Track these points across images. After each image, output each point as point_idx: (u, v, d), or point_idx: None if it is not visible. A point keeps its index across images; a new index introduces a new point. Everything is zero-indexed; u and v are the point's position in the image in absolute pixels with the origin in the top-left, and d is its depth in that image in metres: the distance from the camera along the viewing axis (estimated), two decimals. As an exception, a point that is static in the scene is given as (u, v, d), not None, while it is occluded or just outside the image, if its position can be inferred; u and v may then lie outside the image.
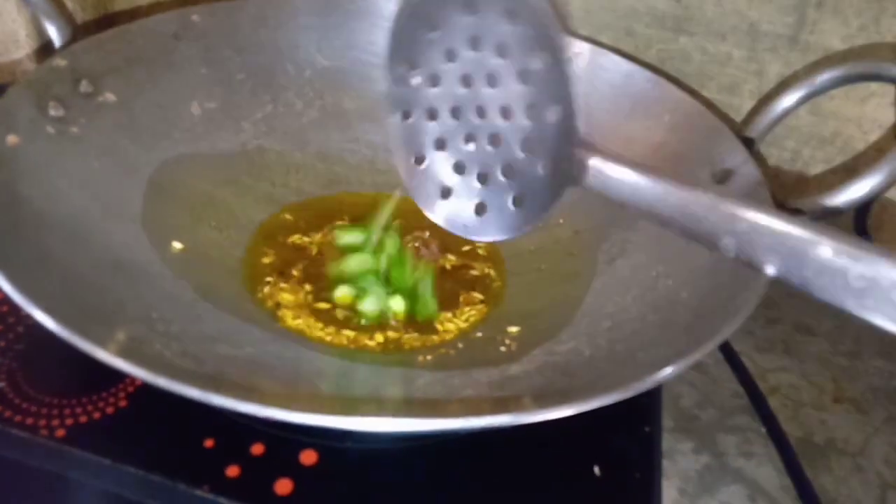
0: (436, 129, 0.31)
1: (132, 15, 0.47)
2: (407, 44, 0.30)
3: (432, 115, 0.31)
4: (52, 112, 0.37)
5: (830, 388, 0.45)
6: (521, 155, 0.29)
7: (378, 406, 0.30)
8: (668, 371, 0.27)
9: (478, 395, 0.31)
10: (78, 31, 0.41)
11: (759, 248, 0.22)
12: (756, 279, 0.30)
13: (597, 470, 0.32)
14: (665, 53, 0.52)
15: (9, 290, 0.26)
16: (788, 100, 0.44)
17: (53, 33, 0.41)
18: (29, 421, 0.32)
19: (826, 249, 0.21)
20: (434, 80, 0.30)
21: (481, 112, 0.30)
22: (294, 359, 0.34)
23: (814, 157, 0.52)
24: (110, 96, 0.40)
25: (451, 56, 0.29)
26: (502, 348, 0.37)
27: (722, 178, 0.40)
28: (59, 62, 0.39)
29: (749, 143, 0.42)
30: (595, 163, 0.27)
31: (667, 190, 0.25)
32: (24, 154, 0.34)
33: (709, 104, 0.51)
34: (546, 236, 0.44)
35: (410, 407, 0.30)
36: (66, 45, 0.41)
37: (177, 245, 0.38)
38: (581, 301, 0.39)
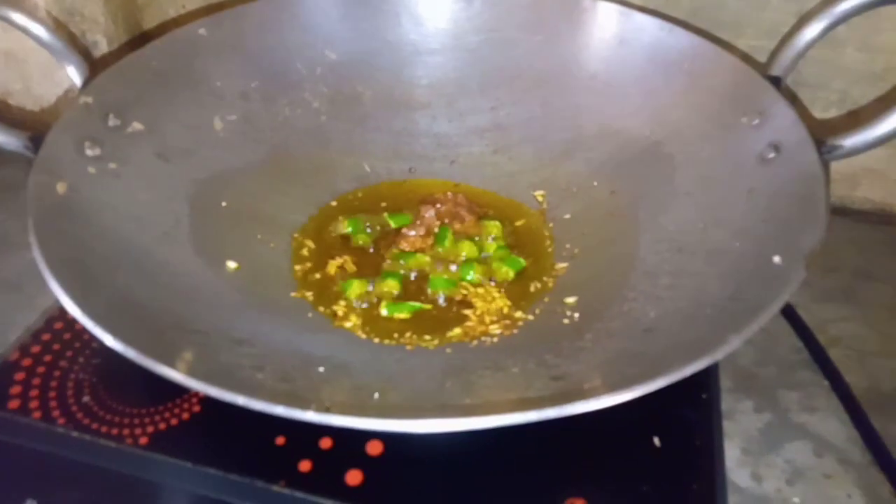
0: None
1: (163, 30, 0.48)
2: None
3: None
4: (89, 152, 0.38)
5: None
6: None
7: (459, 407, 0.30)
8: (753, 326, 0.27)
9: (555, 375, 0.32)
10: (96, 66, 0.42)
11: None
12: (816, 212, 0.30)
13: (656, 441, 0.33)
14: (698, 3, 0.50)
15: (91, 326, 0.28)
16: (811, 31, 0.41)
17: (73, 73, 0.41)
18: (115, 431, 0.34)
19: None
20: None
21: None
22: (362, 360, 0.35)
23: (865, 96, 0.50)
24: (138, 125, 0.41)
25: None
26: (565, 321, 0.37)
27: (757, 123, 0.39)
28: (86, 99, 0.39)
29: (776, 82, 0.40)
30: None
31: None
32: (74, 199, 0.35)
33: (730, 45, 0.50)
34: (582, 200, 0.44)
35: (484, 406, 0.31)
36: (87, 82, 0.41)
37: (231, 264, 0.39)
38: (633, 261, 0.39)
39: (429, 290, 0.40)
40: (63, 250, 0.32)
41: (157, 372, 0.26)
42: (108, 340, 0.27)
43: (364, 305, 0.39)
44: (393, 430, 0.26)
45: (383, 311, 0.39)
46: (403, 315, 0.39)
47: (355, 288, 0.40)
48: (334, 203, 0.46)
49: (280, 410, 0.25)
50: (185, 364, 0.27)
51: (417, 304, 0.39)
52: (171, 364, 0.26)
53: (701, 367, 0.26)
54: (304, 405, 0.25)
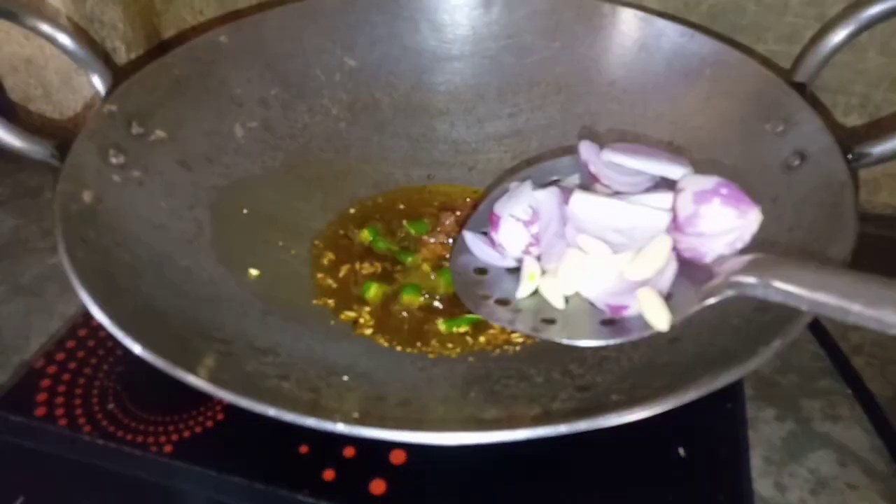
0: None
1: (181, 39, 0.48)
2: None
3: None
4: (113, 160, 0.38)
5: (918, 342, 0.43)
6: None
7: (488, 420, 0.30)
8: (784, 338, 0.27)
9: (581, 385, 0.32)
10: (118, 74, 0.42)
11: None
12: (845, 220, 0.30)
13: (681, 451, 0.33)
14: (717, 8, 0.50)
15: (121, 336, 0.28)
16: (836, 37, 0.41)
17: (96, 81, 0.41)
18: (139, 439, 0.35)
19: None
20: None
21: None
22: (385, 368, 0.35)
23: (887, 101, 0.50)
24: (160, 133, 0.41)
25: None
26: None
27: (781, 130, 0.39)
28: (110, 108, 0.39)
29: (800, 89, 0.40)
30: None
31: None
32: (99, 208, 0.35)
33: (750, 50, 0.49)
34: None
35: (513, 419, 0.31)
36: (110, 91, 0.41)
37: (253, 272, 0.39)
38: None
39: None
40: (90, 259, 0.32)
41: (186, 382, 0.27)
42: (138, 350, 0.28)
43: (403, 314, 0.39)
44: (422, 442, 0.26)
45: (441, 327, 0.38)
46: (464, 328, 0.38)
47: (374, 291, 0.40)
48: (353, 210, 0.46)
49: (311, 422, 0.25)
50: (213, 374, 0.28)
51: (475, 316, 0.38)
52: (200, 375, 0.26)
53: (731, 379, 0.26)
54: (333, 417, 0.25)
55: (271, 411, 0.25)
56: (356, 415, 0.27)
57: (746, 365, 0.26)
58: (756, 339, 0.27)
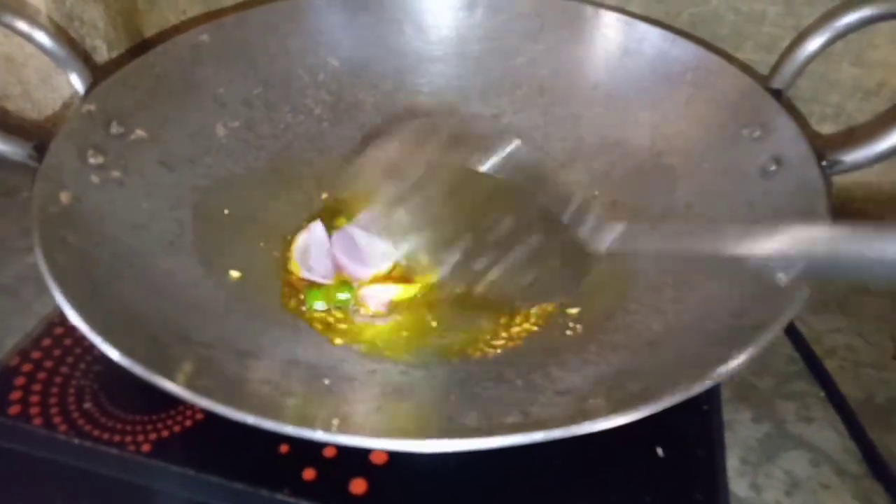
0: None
1: (164, 38, 0.48)
2: None
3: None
4: (92, 160, 0.37)
5: (890, 346, 0.44)
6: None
7: (466, 428, 0.30)
8: (756, 345, 0.27)
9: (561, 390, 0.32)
10: (97, 73, 0.42)
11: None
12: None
13: (660, 451, 0.33)
14: (697, 17, 0.51)
15: (98, 342, 0.28)
16: (811, 45, 0.42)
17: (75, 80, 0.41)
18: (116, 438, 0.34)
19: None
20: None
21: None
22: (366, 371, 0.35)
23: (860, 110, 0.51)
24: (141, 133, 0.41)
25: None
26: (568, 332, 0.37)
27: (758, 135, 0.39)
28: (89, 107, 0.39)
29: (777, 95, 0.41)
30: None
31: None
32: (78, 209, 0.35)
33: (729, 58, 0.50)
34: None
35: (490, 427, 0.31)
36: (89, 90, 0.41)
37: (234, 274, 0.39)
38: (634, 273, 0.39)
39: None
40: (67, 261, 0.31)
41: (164, 389, 0.26)
42: (115, 356, 0.27)
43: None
44: (401, 450, 0.26)
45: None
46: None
47: (316, 297, 0.40)
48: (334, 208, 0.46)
49: (290, 430, 0.25)
50: (192, 380, 0.27)
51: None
52: (178, 381, 0.26)
53: (705, 387, 0.26)
54: (313, 425, 0.25)
55: (250, 419, 0.25)
56: (336, 421, 0.27)
57: (719, 371, 0.26)
58: (730, 344, 0.28)
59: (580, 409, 0.26)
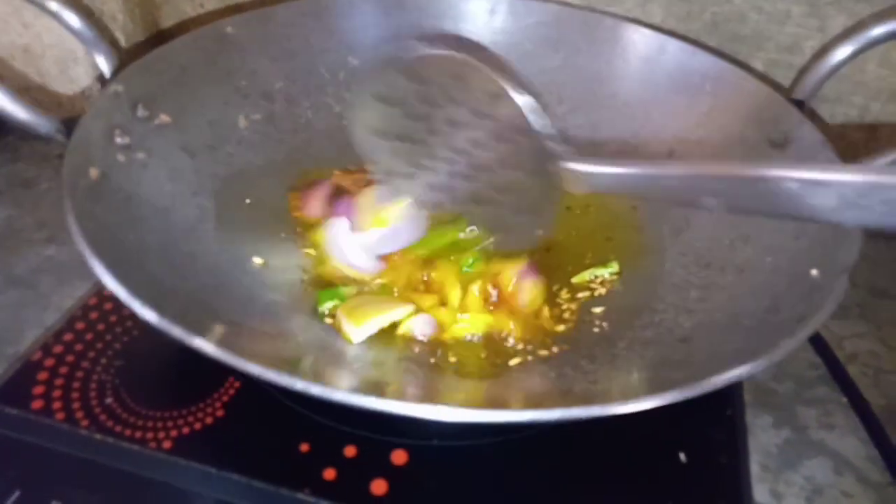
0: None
1: (181, 30, 0.48)
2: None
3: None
4: (119, 140, 0.38)
5: (912, 352, 0.44)
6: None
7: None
8: (801, 334, 0.27)
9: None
10: (124, 57, 0.42)
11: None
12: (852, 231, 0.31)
13: (682, 457, 0.33)
14: (719, 16, 0.50)
15: (133, 303, 0.28)
16: (837, 56, 0.42)
17: (102, 62, 0.41)
18: (138, 435, 0.34)
19: None
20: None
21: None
22: (394, 360, 0.35)
23: (885, 112, 0.50)
24: (165, 118, 0.41)
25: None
26: (595, 329, 0.37)
27: (781, 143, 0.39)
28: (117, 88, 0.39)
29: (799, 105, 0.41)
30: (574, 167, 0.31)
31: (640, 172, 0.29)
32: (105, 186, 0.35)
33: (746, 67, 0.50)
34: (605, 212, 0.45)
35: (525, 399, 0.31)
36: (116, 72, 0.41)
37: (258, 260, 0.39)
38: (659, 274, 0.39)
39: None
40: (98, 232, 0.31)
41: (200, 350, 0.26)
42: (153, 317, 0.27)
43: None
44: (431, 416, 0.25)
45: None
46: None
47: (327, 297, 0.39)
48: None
49: (339, 396, 0.25)
50: (226, 343, 0.27)
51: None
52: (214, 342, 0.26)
53: (753, 371, 0.26)
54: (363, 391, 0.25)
55: (299, 384, 0.25)
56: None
57: (770, 356, 0.26)
58: (769, 338, 0.27)
59: (620, 392, 0.26)
